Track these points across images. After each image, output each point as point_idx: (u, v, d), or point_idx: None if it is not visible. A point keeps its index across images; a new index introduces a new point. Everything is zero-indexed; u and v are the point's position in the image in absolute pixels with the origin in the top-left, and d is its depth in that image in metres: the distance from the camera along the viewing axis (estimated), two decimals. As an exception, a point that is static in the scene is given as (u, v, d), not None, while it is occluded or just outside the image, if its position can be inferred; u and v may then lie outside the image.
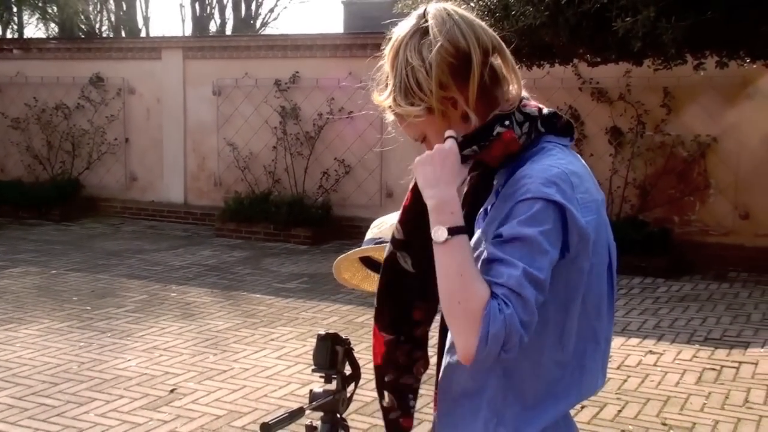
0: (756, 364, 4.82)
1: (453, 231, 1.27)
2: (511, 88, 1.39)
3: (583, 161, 1.43)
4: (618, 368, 4.69)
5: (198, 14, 23.44)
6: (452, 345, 1.42)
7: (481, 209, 1.42)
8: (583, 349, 1.38)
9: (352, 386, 1.70)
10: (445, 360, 1.44)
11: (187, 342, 5.15)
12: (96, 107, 10.47)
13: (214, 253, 8.27)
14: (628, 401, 4.20)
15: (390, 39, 1.42)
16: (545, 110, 1.40)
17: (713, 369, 4.73)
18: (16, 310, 5.83)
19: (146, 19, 25.21)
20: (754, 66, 6.63)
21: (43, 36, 20.52)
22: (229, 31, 23.10)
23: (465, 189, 1.46)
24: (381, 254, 1.52)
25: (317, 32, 10.59)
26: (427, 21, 1.38)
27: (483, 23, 1.40)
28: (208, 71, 9.93)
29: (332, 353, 1.67)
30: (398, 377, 1.50)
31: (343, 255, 1.80)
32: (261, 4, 24.52)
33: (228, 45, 10.30)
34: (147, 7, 39.20)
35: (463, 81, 1.35)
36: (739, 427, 3.90)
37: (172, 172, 10.29)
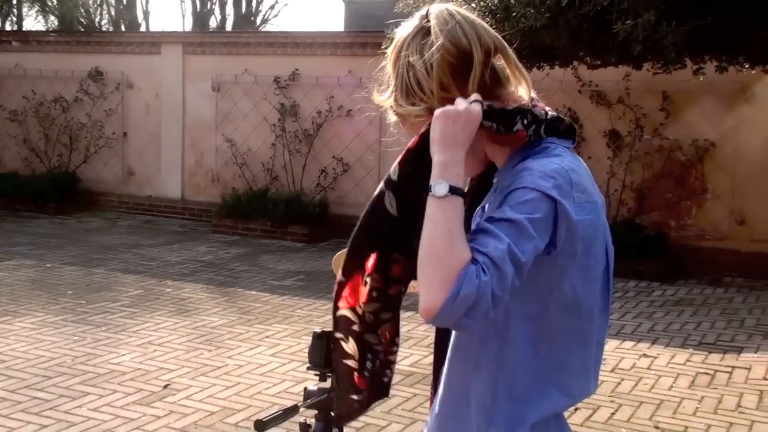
0: (749, 369, 4.83)
1: (454, 190, 1.27)
2: (518, 88, 1.40)
3: (584, 164, 1.44)
4: (612, 371, 4.70)
5: (198, 10, 23.42)
6: (455, 348, 1.42)
7: (479, 207, 1.42)
8: (568, 348, 1.38)
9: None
10: (445, 367, 1.44)
11: (182, 338, 5.14)
12: (94, 101, 10.45)
13: (211, 249, 8.26)
14: (621, 404, 4.21)
15: (392, 39, 1.42)
16: (550, 114, 1.40)
17: (706, 373, 4.74)
18: (11, 303, 5.82)
19: (146, 14, 25.20)
20: (753, 71, 6.64)
21: (43, 29, 20.50)
22: (229, 27, 23.09)
23: (467, 188, 1.46)
24: None
25: (318, 30, 10.60)
26: (429, 21, 1.38)
27: (485, 24, 1.40)
28: (208, 67, 9.92)
29: (327, 351, 1.66)
30: (363, 331, 1.44)
31: (342, 251, 1.80)
32: (262, 0, 24.50)
33: (228, 41, 10.29)
34: (147, 1, 39.20)
35: (464, 81, 1.35)
36: (732, 432, 3.91)
37: (169, 167, 10.28)
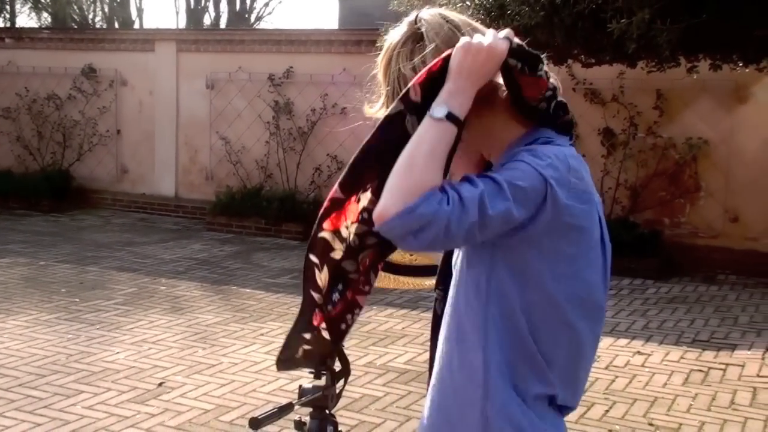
0: (742, 366, 4.85)
1: (452, 118, 1.27)
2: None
3: (582, 159, 1.43)
4: (606, 368, 4.71)
5: (192, 7, 23.37)
6: (450, 333, 1.40)
7: None
8: (553, 338, 1.36)
9: (341, 382, 1.70)
10: (440, 348, 1.42)
11: (176, 336, 5.14)
12: (88, 98, 10.42)
13: (205, 247, 8.25)
14: (615, 401, 4.22)
15: (382, 47, 1.41)
16: (560, 98, 1.39)
17: (700, 370, 4.76)
18: (4, 301, 5.80)
19: (140, 11, 25.13)
20: (747, 70, 6.66)
21: (36, 25, 20.43)
22: (223, 24, 23.05)
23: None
24: None
25: (312, 27, 10.58)
26: (419, 27, 1.37)
27: (479, 24, 1.40)
28: (202, 64, 9.90)
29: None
30: (343, 257, 1.42)
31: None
32: (256, -2, 24.44)
33: (222, 38, 10.26)
34: (141, -2, 39.06)
35: None
36: (725, 429, 3.92)
37: (163, 165, 10.25)
